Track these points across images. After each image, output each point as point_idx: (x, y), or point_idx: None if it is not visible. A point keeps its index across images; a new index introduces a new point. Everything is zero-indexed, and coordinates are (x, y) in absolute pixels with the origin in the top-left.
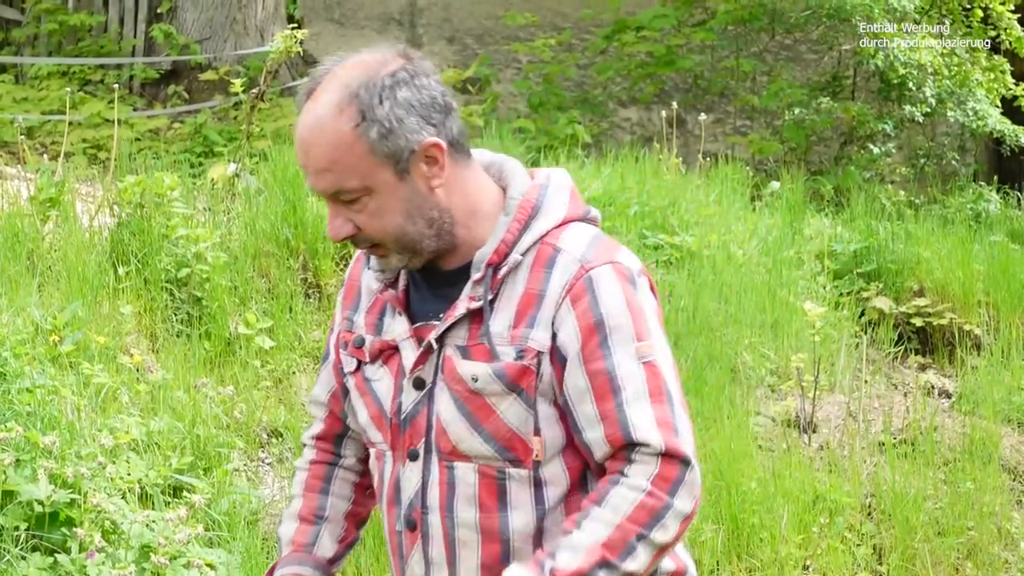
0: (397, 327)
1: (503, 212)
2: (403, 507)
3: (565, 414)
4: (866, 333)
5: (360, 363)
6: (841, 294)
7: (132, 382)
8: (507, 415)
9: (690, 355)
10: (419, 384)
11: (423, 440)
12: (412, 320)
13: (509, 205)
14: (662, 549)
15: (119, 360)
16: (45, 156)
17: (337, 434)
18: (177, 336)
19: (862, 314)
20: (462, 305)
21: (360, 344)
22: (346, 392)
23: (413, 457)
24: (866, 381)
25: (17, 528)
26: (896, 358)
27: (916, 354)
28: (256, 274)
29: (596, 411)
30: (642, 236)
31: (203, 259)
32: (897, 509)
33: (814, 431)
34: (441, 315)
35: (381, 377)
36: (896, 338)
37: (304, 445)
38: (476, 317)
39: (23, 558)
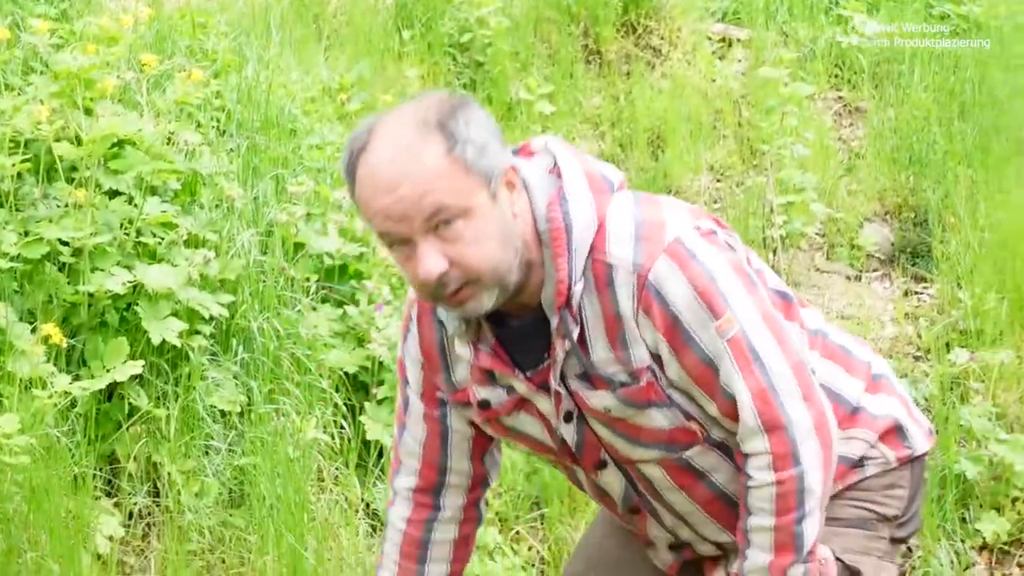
0: (516, 384)
1: (541, 243)
2: (618, 502)
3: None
4: None
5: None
6: None
7: None
8: (655, 422)
9: (976, 126)
10: (568, 418)
11: (601, 453)
12: (523, 372)
13: (543, 234)
14: (824, 495)
15: None
16: None
17: (435, 485)
18: None
19: None
20: (559, 348)
21: (487, 406)
22: (444, 438)
23: (602, 466)
24: None
25: (308, 279)
26: None
27: None
28: (537, 40)
29: (703, 393)
30: (928, 5)
31: (485, 24)
32: None
33: None
34: (539, 362)
35: (525, 423)
36: None
37: (395, 494)
38: (578, 349)
39: (314, 308)
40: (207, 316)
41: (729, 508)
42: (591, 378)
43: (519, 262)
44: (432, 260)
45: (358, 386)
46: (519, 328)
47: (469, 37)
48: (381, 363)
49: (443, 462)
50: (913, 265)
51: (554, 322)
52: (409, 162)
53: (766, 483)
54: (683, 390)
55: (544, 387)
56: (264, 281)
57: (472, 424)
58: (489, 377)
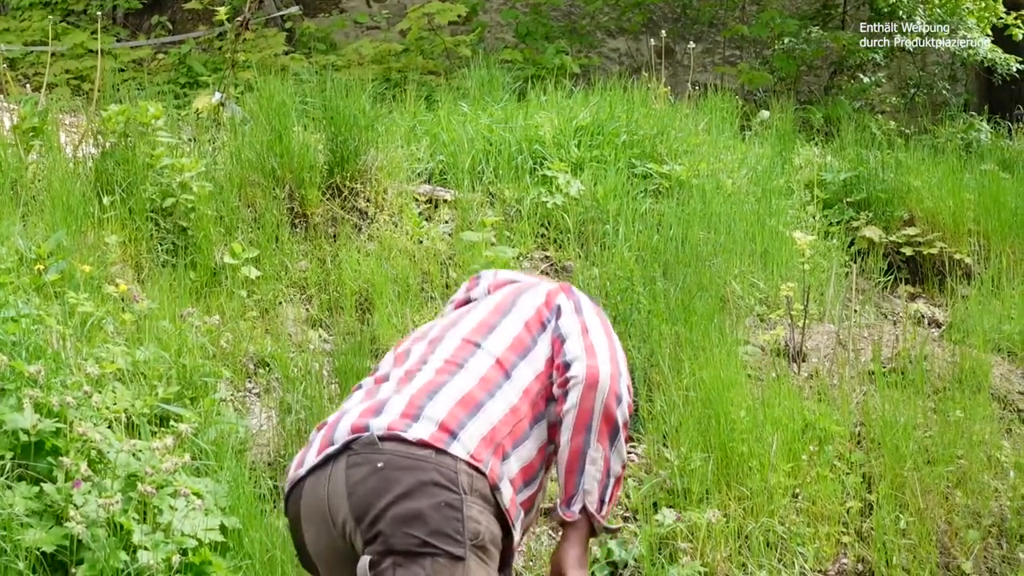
0: None
1: None
2: None
3: None
4: (856, 263)
5: None
6: (831, 223)
7: (117, 312)
8: None
9: (679, 284)
10: None
11: None
12: None
13: None
14: None
15: (104, 290)
16: (28, 87)
17: None
18: (162, 266)
19: (851, 243)
20: None
21: None
22: None
23: None
24: (856, 310)
25: (2, 457)
26: (886, 288)
27: (906, 283)
28: (242, 204)
29: None
30: (631, 165)
31: (188, 189)
32: (887, 438)
33: (803, 360)
34: None
35: None
36: (886, 267)
37: None
38: None
39: (9, 487)
40: None
41: None
42: None
43: None
44: None
45: (56, 566)
46: None
47: (172, 202)
48: (80, 542)
49: None
50: None
51: None
52: None
53: None
54: None
55: None
56: None
57: None
58: None
